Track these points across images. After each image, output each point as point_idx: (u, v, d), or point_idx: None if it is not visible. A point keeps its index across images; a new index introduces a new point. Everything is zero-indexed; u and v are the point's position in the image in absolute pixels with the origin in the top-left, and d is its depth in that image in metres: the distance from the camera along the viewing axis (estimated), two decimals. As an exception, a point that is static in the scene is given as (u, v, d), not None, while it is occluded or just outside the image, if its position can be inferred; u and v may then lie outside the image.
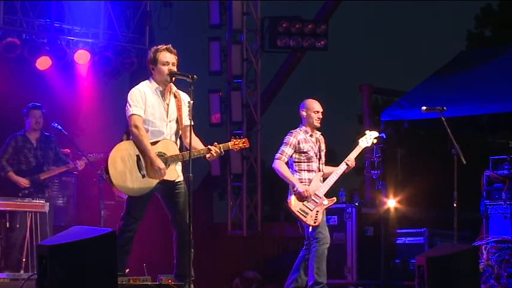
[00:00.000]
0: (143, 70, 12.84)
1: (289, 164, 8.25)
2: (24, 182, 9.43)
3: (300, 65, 14.70)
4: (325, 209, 8.13)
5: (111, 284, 6.06)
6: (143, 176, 6.93)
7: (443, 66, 13.61)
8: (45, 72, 11.69)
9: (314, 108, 8.27)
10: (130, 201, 7.04)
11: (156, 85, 7.11)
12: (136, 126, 6.94)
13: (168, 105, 7.10)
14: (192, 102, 6.92)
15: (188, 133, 7.02)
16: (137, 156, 6.93)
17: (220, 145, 7.11)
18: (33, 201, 9.21)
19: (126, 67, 12.29)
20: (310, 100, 8.35)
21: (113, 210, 10.48)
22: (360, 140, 8.38)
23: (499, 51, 13.49)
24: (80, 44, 11.93)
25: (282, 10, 15.75)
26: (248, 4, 13.48)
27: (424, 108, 8.43)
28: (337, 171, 8.22)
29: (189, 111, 6.95)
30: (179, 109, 7.12)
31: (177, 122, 7.12)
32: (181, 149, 7.17)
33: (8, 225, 9.16)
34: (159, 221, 8.42)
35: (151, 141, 7.00)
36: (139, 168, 6.92)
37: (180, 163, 7.11)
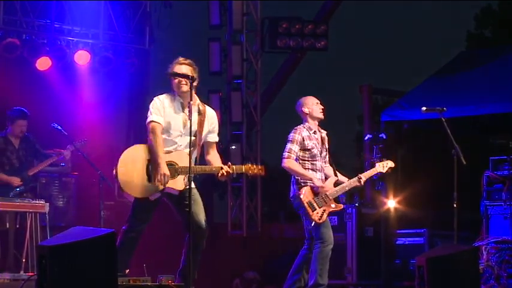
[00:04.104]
0: (143, 70, 12.91)
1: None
2: (16, 180, 9.45)
3: (300, 66, 14.71)
4: (330, 212, 8.11)
5: (111, 284, 6.06)
6: (149, 181, 6.97)
7: (443, 66, 13.62)
8: (45, 72, 11.70)
9: (314, 100, 8.22)
10: (135, 203, 7.08)
11: (176, 97, 7.16)
12: (153, 133, 7.03)
13: (186, 117, 7.09)
14: (192, 102, 6.93)
15: (209, 149, 7.22)
16: (148, 160, 6.99)
17: (234, 166, 7.13)
18: (33, 201, 9.21)
19: (126, 67, 12.30)
20: (305, 97, 8.28)
21: (112, 211, 10.49)
22: (377, 164, 8.45)
23: (499, 51, 13.49)
24: (80, 45, 11.94)
25: (282, 11, 15.77)
26: (248, 4, 13.49)
27: (424, 108, 8.43)
28: (349, 182, 8.22)
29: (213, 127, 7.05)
30: (200, 124, 7.14)
31: (195, 135, 7.10)
32: (199, 163, 7.22)
33: (7, 226, 9.17)
34: (160, 221, 8.41)
35: (166, 149, 7.05)
36: (148, 173, 6.97)
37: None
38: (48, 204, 9.28)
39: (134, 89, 12.81)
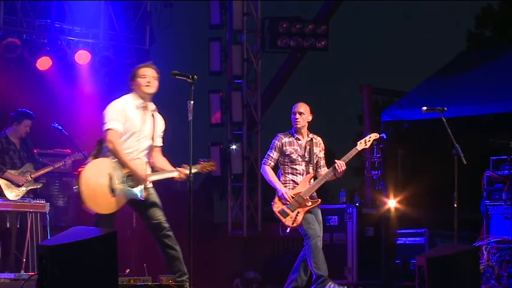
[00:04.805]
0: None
1: (278, 167, 8.38)
2: (21, 179, 9.45)
3: (300, 65, 14.71)
4: (308, 210, 8.15)
5: (111, 284, 6.06)
6: (112, 195, 6.96)
7: (443, 66, 13.62)
8: (45, 72, 11.70)
9: (292, 109, 8.34)
10: (98, 218, 7.06)
11: (139, 100, 7.17)
12: (111, 141, 6.99)
13: (145, 121, 7.16)
14: (192, 102, 6.93)
15: (155, 153, 7.24)
16: (109, 174, 6.97)
17: (192, 168, 7.06)
18: (34, 201, 9.22)
19: (127, 67, 12.29)
20: (296, 103, 8.39)
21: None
22: (358, 143, 8.32)
23: (500, 51, 13.49)
24: (80, 44, 11.94)
25: (282, 10, 15.76)
26: (248, 4, 13.48)
27: (424, 108, 8.43)
28: (325, 175, 8.21)
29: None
30: (154, 128, 7.20)
31: (149, 139, 7.19)
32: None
33: (8, 226, 9.17)
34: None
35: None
36: (110, 188, 6.96)
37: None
38: (48, 204, 9.29)
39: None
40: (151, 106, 7.23)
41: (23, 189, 9.42)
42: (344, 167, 8.11)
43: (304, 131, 8.36)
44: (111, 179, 6.96)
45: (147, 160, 7.18)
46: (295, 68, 14.65)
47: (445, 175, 9.64)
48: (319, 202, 8.24)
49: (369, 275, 10.84)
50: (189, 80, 6.95)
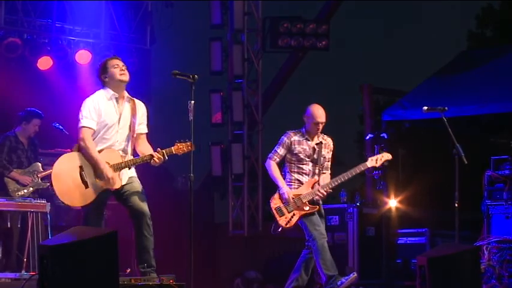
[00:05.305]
0: (144, 70, 12.91)
1: (284, 164, 8.32)
2: (27, 179, 9.46)
3: (301, 65, 14.71)
4: (304, 214, 8.12)
5: (112, 284, 6.06)
6: (86, 187, 6.99)
7: (444, 66, 13.62)
8: (46, 72, 11.71)
9: (315, 119, 8.20)
10: (84, 210, 7.11)
11: (112, 92, 7.19)
12: (83, 139, 7.04)
13: (121, 112, 7.17)
14: (193, 102, 6.93)
15: (140, 141, 7.21)
16: (80, 167, 7.00)
17: (163, 150, 7.08)
18: (34, 201, 9.22)
19: (127, 67, 12.28)
20: (315, 109, 8.25)
21: (114, 210, 10.47)
22: (369, 159, 8.32)
23: (500, 51, 13.49)
24: (81, 44, 11.95)
25: (283, 10, 15.76)
26: (249, 4, 13.49)
27: (425, 108, 8.43)
28: (328, 184, 8.16)
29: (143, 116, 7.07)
30: (133, 116, 7.20)
31: (129, 128, 7.18)
32: (133, 155, 7.24)
33: (9, 225, 9.17)
34: (160, 221, 8.41)
35: (103, 146, 7.10)
36: (82, 179, 6.99)
37: (126, 169, 7.15)
38: (49, 203, 9.29)
39: (135, 88, 12.77)
40: (126, 95, 7.23)
41: (30, 188, 9.44)
42: (328, 192, 8.12)
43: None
44: (82, 171, 6.99)
45: (129, 149, 7.16)
46: (296, 67, 14.65)
47: (445, 175, 9.64)
48: (316, 209, 8.19)
49: (369, 275, 10.83)
50: (190, 80, 6.96)
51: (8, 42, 11.28)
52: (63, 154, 10.29)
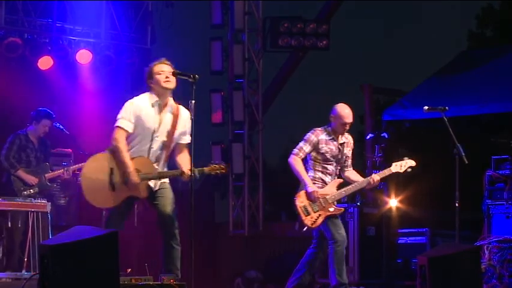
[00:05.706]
0: (145, 70, 12.89)
1: (307, 160, 8.21)
2: (33, 179, 9.47)
3: (301, 65, 14.71)
4: (328, 216, 8.08)
5: (112, 283, 6.06)
6: (113, 190, 6.99)
7: (444, 66, 13.62)
8: (47, 72, 11.70)
9: (343, 119, 8.13)
10: (108, 212, 7.15)
11: (156, 98, 7.16)
12: (116, 139, 7.04)
13: (161, 119, 7.15)
14: (193, 101, 6.92)
15: (180, 151, 7.19)
16: (111, 169, 7.00)
17: (196, 170, 7.03)
18: (35, 201, 9.22)
19: (128, 67, 12.31)
20: (342, 109, 8.19)
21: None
22: (393, 164, 8.30)
23: (500, 51, 13.49)
24: (81, 44, 11.94)
25: (283, 10, 15.76)
26: (250, 4, 13.49)
27: (426, 107, 8.43)
28: (356, 184, 8.19)
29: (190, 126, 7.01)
30: (173, 125, 7.17)
31: (166, 137, 7.16)
32: (169, 164, 7.25)
33: (9, 225, 9.17)
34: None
35: (138, 150, 7.10)
36: (111, 182, 6.99)
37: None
38: (50, 203, 9.29)
39: (136, 88, 12.80)
40: (171, 103, 7.19)
41: (36, 189, 9.45)
42: (377, 183, 8.18)
43: None
44: (112, 173, 6.98)
45: (162, 158, 7.15)
46: (296, 67, 14.65)
47: (446, 174, 9.64)
48: (342, 211, 8.18)
49: (370, 275, 10.83)
50: (190, 80, 6.95)
51: (9, 42, 11.28)
52: (63, 154, 10.36)
